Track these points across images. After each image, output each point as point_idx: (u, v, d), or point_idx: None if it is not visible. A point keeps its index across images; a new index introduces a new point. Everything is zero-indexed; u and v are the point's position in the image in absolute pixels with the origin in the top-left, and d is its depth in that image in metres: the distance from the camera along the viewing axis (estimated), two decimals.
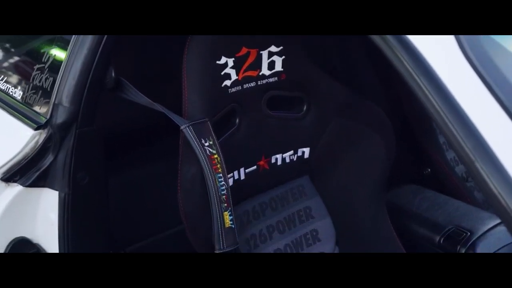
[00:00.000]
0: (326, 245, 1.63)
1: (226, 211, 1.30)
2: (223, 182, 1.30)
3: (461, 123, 0.79)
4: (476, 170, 0.75)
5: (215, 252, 1.29)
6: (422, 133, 2.10)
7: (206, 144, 1.29)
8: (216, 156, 1.30)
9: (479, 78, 0.83)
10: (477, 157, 0.75)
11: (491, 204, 0.76)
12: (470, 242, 1.64)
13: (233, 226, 1.31)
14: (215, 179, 1.28)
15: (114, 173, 1.78)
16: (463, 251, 1.63)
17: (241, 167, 1.49)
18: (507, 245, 1.58)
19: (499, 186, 0.73)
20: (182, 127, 1.29)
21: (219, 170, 1.30)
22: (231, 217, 1.31)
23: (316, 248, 1.62)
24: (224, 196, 1.30)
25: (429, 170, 2.11)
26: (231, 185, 1.45)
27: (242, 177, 1.50)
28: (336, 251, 1.64)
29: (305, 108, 1.57)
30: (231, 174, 1.46)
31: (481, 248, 1.61)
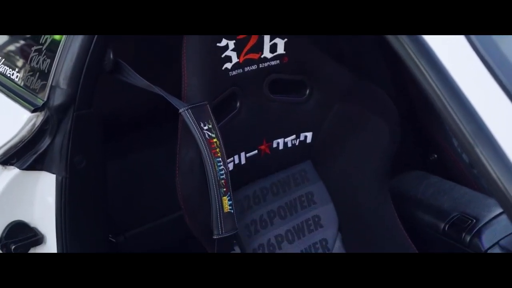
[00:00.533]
0: (328, 231, 1.61)
1: (225, 196, 1.28)
2: (222, 167, 1.27)
3: (461, 107, 0.77)
4: (476, 155, 0.72)
5: (214, 237, 1.27)
6: (428, 119, 2.07)
7: (205, 127, 1.27)
8: (215, 140, 1.28)
9: (479, 60, 0.80)
10: (477, 142, 0.73)
11: (491, 190, 0.73)
12: (475, 230, 1.62)
13: (232, 211, 1.29)
14: (214, 163, 1.26)
15: (114, 158, 1.76)
16: (468, 238, 1.61)
17: (242, 152, 1.47)
18: None
19: (499, 171, 0.71)
20: (180, 110, 1.26)
21: (218, 154, 1.27)
22: (230, 202, 1.28)
23: (318, 234, 1.60)
24: (223, 181, 1.27)
25: (435, 156, 2.08)
26: (231, 170, 1.42)
27: (243, 161, 1.47)
28: (339, 237, 1.62)
29: (307, 92, 1.55)
30: (231, 158, 1.44)
31: (486, 236, 1.59)
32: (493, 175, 0.71)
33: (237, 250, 1.34)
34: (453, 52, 0.88)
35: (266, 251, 1.50)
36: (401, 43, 0.91)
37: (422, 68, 0.88)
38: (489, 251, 1.56)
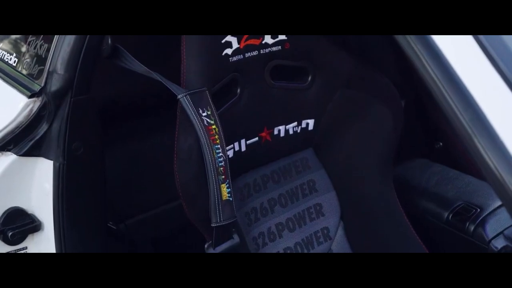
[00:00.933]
0: (330, 220, 1.59)
1: (223, 183, 1.26)
2: (221, 154, 1.25)
3: (458, 93, 0.74)
4: (473, 144, 0.70)
5: (212, 225, 1.26)
6: (435, 106, 2.03)
7: (204, 114, 1.25)
8: (214, 126, 1.26)
9: (479, 47, 0.78)
10: (475, 131, 0.70)
11: (486, 177, 0.71)
12: (480, 219, 1.59)
13: (230, 199, 1.27)
14: (212, 150, 1.24)
15: (116, 145, 1.75)
16: (471, 228, 1.59)
17: (242, 139, 1.44)
18: None
19: (496, 160, 0.68)
20: (179, 97, 1.24)
21: (217, 141, 1.26)
22: (229, 189, 1.27)
23: (320, 223, 1.58)
24: (221, 168, 1.26)
25: (441, 144, 2.06)
26: (231, 157, 1.41)
27: (243, 148, 1.45)
28: (341, 226, 1.60)
29: (310, 78, 1.52)
30: (231, 145, 1.42)
31: (491, 225, 1.57)
32: (490, 163, 0.69)
33: (236, 238, 1.32)
34: (459, 50, 0.86)
35: (267, 240, 1.49)
36: (408, 42, 0.88)
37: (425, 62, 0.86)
38: (493, 241, 1.54)
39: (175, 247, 1.68)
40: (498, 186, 0.70)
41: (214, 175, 1.24)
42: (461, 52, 0.85)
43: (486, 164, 0.70)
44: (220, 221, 1.26)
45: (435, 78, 0.85)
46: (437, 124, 2.05)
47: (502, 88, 0.77)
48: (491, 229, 1.56)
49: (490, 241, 1.55)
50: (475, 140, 0.71)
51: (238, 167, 1.43)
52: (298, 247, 1.53)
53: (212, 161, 1.24)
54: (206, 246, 1.29)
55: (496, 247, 1.53)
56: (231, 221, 1.28)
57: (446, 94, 0.77)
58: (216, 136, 1.26)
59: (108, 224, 1.70)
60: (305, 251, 1.54)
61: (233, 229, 1.32)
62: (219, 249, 1.29)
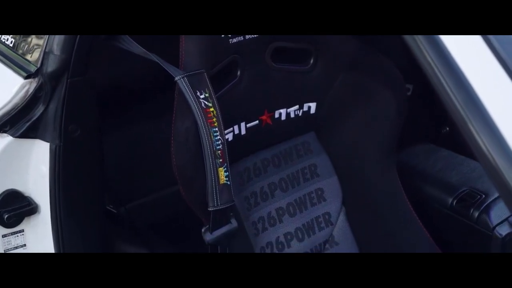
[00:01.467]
0: (332, 205, 1.57)
1: (221, 167, 1.24)
2: (218, 137, 1.23)
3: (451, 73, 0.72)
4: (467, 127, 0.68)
5: (209, 209, 1.24)
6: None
7: (202, 96, 1.23)
8: (212, 109, 1.23)
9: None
10: (468, 113, 0.68)
11: (479, 160, 0.69)
12: (484, 205, 1.57)
13: (228, 183, 1.25)
14: (209, 133, 1.22)
15: (117, 129, 1.74)
16: (476, 214, 1.56)
17: (242, 122, 1.42)
18: None
19: (489, 143, 0.66)
20: (176, 78, 1.22)
21: (215, 124, 1.23)
22: (227, 173, 1.25)
23: (321, 208, 1.55)
24: (219, 152, 1.23)
25: (448, 129, 2.03)
26: (231, 140, 1.39)
27: (243, 132, 1.43)
28: (343, 211, 1.58)
29: (312, 61, 1.49)
30: (231, 128, 1.39)
31: (495, 212, 1.54)
32: (483, 148, 0.66)
33: (234, 223, 1.30)
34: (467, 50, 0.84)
35: (267, 224, 1.47)
36: (416, 41, 0.86)
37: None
38: (497, 228, 1.51)
39: (176, 231, 1.66)
40: (490, 169, 0.67)
41: (212, 158, 1.22)
42: (468, 52, 0.83)
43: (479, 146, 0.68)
44: (217, 205, 1.24)
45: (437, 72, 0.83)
46: (444, 109, 2.01)
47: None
48: (495, 215, 1.54)
49: (494, 227, 1.52)
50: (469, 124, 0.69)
51: (238, 150, 1.41)
52: (298, 232, 1.51)
53: (209, 144, 1.22)
54: (203, 230, 1.27)
55: (500, 234, 1.50)
56: (228, 205, 1.26)
57: (448, 89, 0.75)
58: (214, 119, 1.23)
59: (109, 208, 1.69)
60: (306, 236, 1.52)
61: (231, 214, 1.30)
62: (217, 233, 1.27)
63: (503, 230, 1.51)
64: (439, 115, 2.03)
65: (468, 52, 0.84)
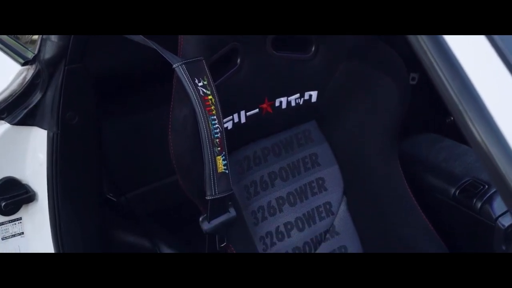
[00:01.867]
0: (333, 195, 1.56)
1: (219, 155, 1.23)
2: (217, 125, 1.22)
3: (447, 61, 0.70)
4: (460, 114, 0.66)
5: (206, 198, 1.23)
6: None
7: (200, 84, 1.21)
8: (210, 97, 1.22)
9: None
10: (463, 102, 0.66)
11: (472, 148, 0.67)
12: (487, 196, 1.54)
13: (226, 171, 1.24)
14: (208, 121, 1.20)
15: (117, 118, 1.73)
16: (479, 205, 1.54)
17: (242, 110, 1.41)
18: None
19: (483, 132, 0.65)
20: (174, 66, 1.21)
21: (213, 112, 1.22)
22: (225, 162, 1.23)
23: (322, 198, 1.54)
24: (217, 140, 1.22)
25: (452, 118, 2.00)
26: (231, 129, 1.37)
27: (243, 120, 1.41)
28: (344, 201, 1.57)
29: (313, 48, 1.47)
30: (231, 116, 1.38)
31: (498, 202, 1.52)
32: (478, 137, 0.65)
33: (232, 212, 1.28)
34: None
35: (266, 214, 1.46)
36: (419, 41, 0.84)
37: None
38: (500, 219, 1.49)
39: (176, 220, 1.65)
40: (483, 157, 0.66)
41: (210, 146, 1.21)
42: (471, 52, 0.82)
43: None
44: (215, 194, 1.23)
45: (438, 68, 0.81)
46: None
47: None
48: (498, 206, 1.51)
49: (497, 218, 1.50)
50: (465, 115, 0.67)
51: (237, 139, 1.40)
52: (299, 221, 1.50)
53: (207, 132, 1.20)
54: (201, 219, 1.26)
55: (503, 225, 1.48)
56: (226, 194, 1.24)
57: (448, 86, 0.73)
58: (212, 107, 1.22)
59: (109, 196, 1.68)
60: (306, 226, 1.50)
61: (230, 203, 1.29)
62: (214, 222, 1.26)
63: (505, 221, 1.48)
64: (443, 104, 2.01)
65: (468, 47, 0.83)
